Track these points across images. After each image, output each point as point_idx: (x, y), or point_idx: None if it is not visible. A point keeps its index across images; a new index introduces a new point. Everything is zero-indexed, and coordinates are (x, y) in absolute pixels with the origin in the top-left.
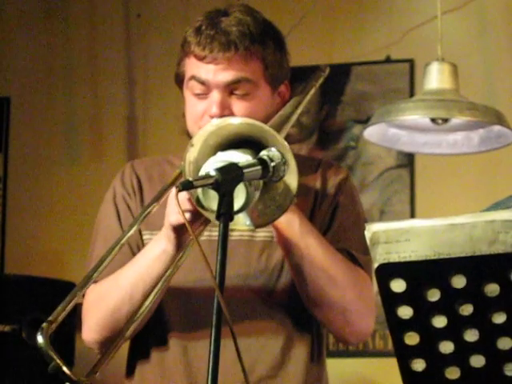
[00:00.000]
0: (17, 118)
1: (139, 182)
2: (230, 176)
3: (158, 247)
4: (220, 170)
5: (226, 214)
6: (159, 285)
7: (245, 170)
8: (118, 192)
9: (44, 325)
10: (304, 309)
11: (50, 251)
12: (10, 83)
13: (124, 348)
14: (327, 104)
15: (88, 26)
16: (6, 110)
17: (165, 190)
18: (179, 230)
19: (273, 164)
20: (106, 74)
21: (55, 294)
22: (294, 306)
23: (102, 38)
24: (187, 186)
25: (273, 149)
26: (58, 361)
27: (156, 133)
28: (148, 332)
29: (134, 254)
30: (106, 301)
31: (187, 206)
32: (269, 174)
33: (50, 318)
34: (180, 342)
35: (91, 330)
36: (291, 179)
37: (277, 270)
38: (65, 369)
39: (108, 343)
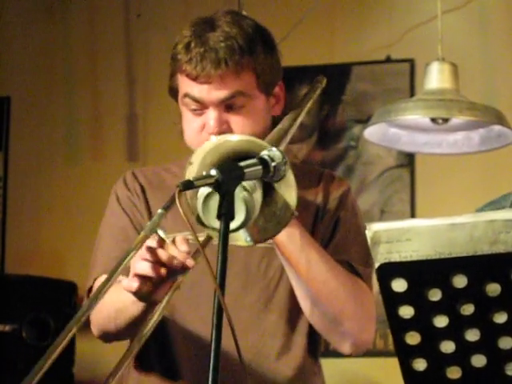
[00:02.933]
0: (17, 118)
1: (142, 188)
2: (230, 175)
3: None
4: (221, 169)
5: (226, 214)
6: (152, 322)
7: (245, 170)
8: (123, 194)
9: None
10: (302, 317)
11: (50, 251)
12: (10, 83)
13: (123, 346)
14: (327, 104)
15: (88, 25)
16: (6, 109)
17: (168, 206)
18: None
19: (274, 164)
20: (106, 73)
21: (55, 294)
22: (292, 314)
23: (101, 37)
24: (188, 185)
25: (273, 148)
26: None
27: (156, 133)
28: (155, 360)
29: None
30: (99, 311)
31: (149, 272)
32: (269, 173)
33: None
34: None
35: (93, 326)
36: (290, 194)
37: (276, 278)
38: None
39: (106, 339)
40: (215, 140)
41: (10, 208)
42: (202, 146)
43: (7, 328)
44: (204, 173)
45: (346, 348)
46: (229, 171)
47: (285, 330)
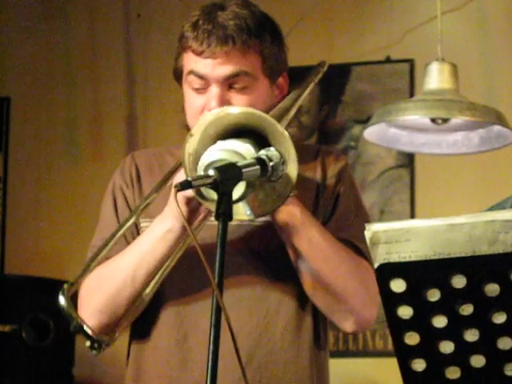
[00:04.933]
0: (17, 118)
1: (138, 172)
2: (228, 175)
3: (163, 226)
4: (219, 169)
5: (224, 213)
6: (166, 264)
7: (243, 170)
8: (117, 182)
9: (65, 285)
10: (305, 294)
11: (50, 251)
12: (10, 83)
13: (123, 345)
14: (327, 104)
15: (88, 25)
16: (6, 109)
17: (164, 181)
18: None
19: (271, 164)
20: (105, 73)
21: (55, 295)
22: (296, 291)
23: (102, 38)
24: (186, 185)
25: (271, 148)
26: (80, 320)
27: (156, 133)
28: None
29: (128, 244)
30: (107, 284)
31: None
32: (267, 173)
33: (73, 281)
34: (174, 309)
35: (89, 317)
36: (291, 168)
37: (277, 254)
38: (86, 327)
39: (105, 329)
40: (216, 112)
41: (10, 208)
42: (203, 118)
43: (7, 328)
44: (202, 173)
45: (348, 326)
46: (227, 171)
47: (288, 307)
